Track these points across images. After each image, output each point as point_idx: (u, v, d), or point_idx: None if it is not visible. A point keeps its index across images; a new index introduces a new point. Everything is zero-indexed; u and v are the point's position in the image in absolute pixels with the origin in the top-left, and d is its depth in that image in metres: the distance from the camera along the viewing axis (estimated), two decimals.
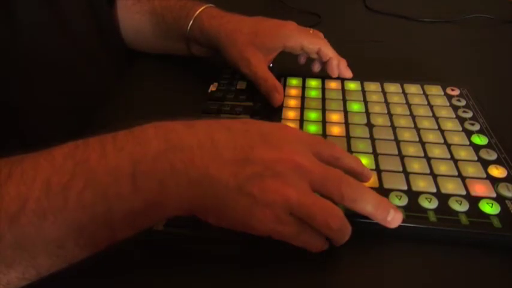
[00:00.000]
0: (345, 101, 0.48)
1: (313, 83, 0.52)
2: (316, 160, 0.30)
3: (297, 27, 0.51)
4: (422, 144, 0.41)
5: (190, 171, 0.27)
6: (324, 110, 0.47)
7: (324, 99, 0.49)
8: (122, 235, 0.28)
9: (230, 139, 0.29)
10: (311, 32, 0.53)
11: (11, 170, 0.26)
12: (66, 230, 0.25)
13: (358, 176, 0.33)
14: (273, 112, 0.46)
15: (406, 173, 0.37)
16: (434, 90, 0.50)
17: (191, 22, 0.53)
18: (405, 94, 0.50)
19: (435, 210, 0.34)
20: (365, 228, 0.33)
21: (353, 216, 0.32)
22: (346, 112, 0.46)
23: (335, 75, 0.51)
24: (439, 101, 0.48)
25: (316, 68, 0.53)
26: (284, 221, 0.28)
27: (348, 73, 0.52)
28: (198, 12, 0.53)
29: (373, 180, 0.36)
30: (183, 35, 0.55)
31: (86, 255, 0.27)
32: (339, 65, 0.51)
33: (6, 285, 0.26)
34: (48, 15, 0.46)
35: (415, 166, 0.38)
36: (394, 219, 0.31)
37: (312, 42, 0.50)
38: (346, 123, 0.44)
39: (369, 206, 0.31)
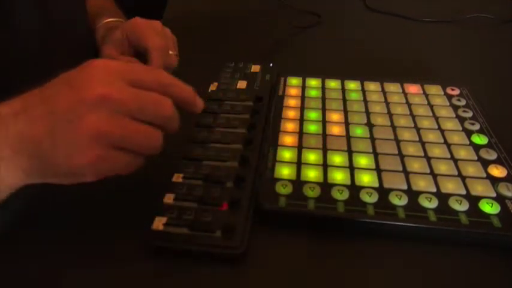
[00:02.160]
0: (345, 100, 0.48)
1: (313, 82, 0.52)
2: (130, 88, 0.30)
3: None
4: (422, 143, 0.41)
5: (9, 139, 0.28)
6: (324, 110, 0.47)
7: (324, 98, 0.49)
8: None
9: (41, 99, 0.30)
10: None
11: None
12: None
13: (191, 106, 0.33)
14: (273, 112, 0.46)
15: (406, 173, 0.37)
16: (434, 90, 0.50)
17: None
18: (405, 94, 0.50)
19: (435, 210, 0.34)
20: (365, 228, 0.33)
21: (353, 215, 0.32)
22: (346, 112, 0.46)
23: None
24: (439, 100, 0.48)
25: None
26: (107, 156, 0.29)
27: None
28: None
29: (373, 180, 0.36)
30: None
31: None
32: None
33: None
34: (38, 19, 0.46)
35: (415, 166, 0.38)
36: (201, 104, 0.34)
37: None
38: (346, 123, 0.44)
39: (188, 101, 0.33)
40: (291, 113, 0.46)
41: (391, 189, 0.36)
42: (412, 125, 0.44)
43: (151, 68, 0.36)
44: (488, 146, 0.41)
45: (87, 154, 0.28)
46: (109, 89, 0.29)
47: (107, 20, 0.55)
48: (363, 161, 0.39)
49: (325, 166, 0.38)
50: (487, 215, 0.33)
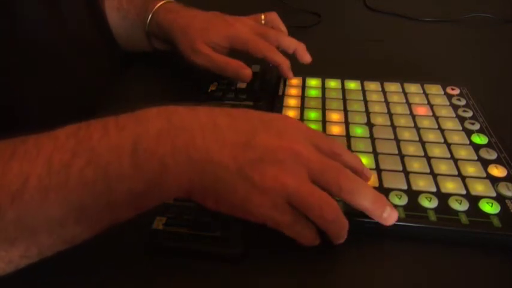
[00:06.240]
0: (345, 100, 0.48)
1: (313, 82, 0.52)
2: (316, 150, 0.31)
3: (247, 30, 0.51)
4: (422, 143, 0.41)
5: (191, 151, 0.27)
6: (324, 109, 0.47)
7: (324, 98, 0.49)
8: (123, 216, 0.28)
9: (232, 123, 0.30)
10: (262, 25, 0.54)
11: (15, 148, 0.26)
12: (67, 208, 0.26)
13: (358, 175, 0.33)
14: (273, 112, 0.46)
15: (406, 172, 0.37)
16: (435, 89, 0.50)
17: (150, 17, 0.55)
18: (405, 93, 0.50)
19: (435, 210, 0.34)
20: (365, 228, 0.33)
21: (353, 215, 0.32)
22: (346, 111, 0.46)
23: (290, 78, 0.52)
24: (439, 100, 0.48)
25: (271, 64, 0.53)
26: (280, 209, 0.29)
27: (306, 57, 0.52)
28: (156, 7, 0.56)
29: (373, 180, 0.36)
30: (144, 30, 0.56)
31: (87, 236, 0.27)
32: (296, 51, 0.52)
33: (8, 263, 0.26)
34: (47, 15, 0.46)
35: (415, 165, 0.38)
36: (390, 216, 0.31)
37: (256, 50, 0.50)
38: (346, 123, 0.44)
39: (366, 201, 0.31)
40: (291, 113, 0.46)
41: (391, 189, 0.36)
42: (412, 125, 0.44)
43: (328, 137, 0.37)
44: (488, 145, 0.41)
45: (263, 198, 0.28)
46: (303, 147, 0.30)
47: (160, 4, 0.56)
48: (363, 160, 0.38)
49: None
50: (487, 215, 0.33)
